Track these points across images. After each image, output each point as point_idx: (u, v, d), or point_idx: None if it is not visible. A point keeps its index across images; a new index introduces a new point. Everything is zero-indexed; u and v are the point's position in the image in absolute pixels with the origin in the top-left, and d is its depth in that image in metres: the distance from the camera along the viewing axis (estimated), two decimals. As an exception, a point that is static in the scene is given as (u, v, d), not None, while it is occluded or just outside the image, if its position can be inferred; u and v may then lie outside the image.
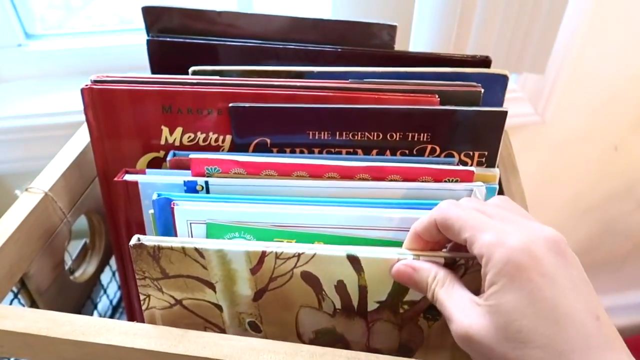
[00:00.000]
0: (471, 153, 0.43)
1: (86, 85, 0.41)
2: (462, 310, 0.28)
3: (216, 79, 0.43)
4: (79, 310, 0.52)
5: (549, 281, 0.26)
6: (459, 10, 0.52)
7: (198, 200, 0.37)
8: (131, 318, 0.52)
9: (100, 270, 0.55)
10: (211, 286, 0.34)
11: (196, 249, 0.33)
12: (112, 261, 0.58)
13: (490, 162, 0.44)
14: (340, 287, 0.34)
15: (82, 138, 0.49)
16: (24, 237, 0.41)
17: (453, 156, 0.43)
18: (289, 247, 0.33)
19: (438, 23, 0.53)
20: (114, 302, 0.61)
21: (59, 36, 0.66)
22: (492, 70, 0.44)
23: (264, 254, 0.33)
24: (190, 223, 0.36)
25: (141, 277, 0.35)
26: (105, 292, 0.58)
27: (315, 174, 0.38)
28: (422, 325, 0.35)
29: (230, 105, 0.41)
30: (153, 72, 0.50)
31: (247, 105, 0.41)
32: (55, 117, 0.60)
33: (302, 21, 0.48)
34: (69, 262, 0.51)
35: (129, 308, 0.53)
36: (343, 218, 0.36)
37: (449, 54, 0.47)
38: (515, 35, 0.56)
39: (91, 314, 0.55)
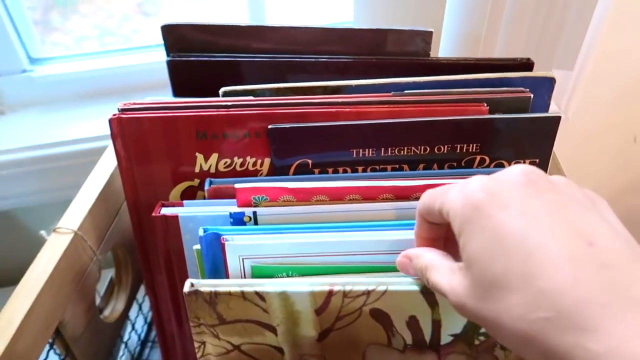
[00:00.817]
0: (522, 161, 0.41)
1: (114, 115, 0.38)
2: (450, 281, 0.25)
3: (251, 99, 0.40)
4: (110, 352, 0.49)
5: (513, 213, 0.22)
6: (488, 10, 0.50)
7: (249, 234, 0.34)
8: (166, 354, 0.50)
9: (128, 305, 0.52)
10: (272, 329, 0.32)
11: (257, 293, 0.30)
12: (138, 293, 0.55)
13: (542, 169, 0.42)
14: (413, 322, 0.31)
15: (104, 168, 0.47)
16: (58, 284, 0.38)
17: (503, 166, 0.41)
18: (358, 284, 0.30)
19: (467, 25, 0.51)
20: (142, 335, 0.58)
21: (66, 59, 0.63)
22: (538, 73, 0.42)
23: (330, 293, 0.30)
24: (243, 259, 0.34)
25: (196, 325, 0.32)
26: (133, 327, 0.55)
27: (369, 196, 0.36)
28: (498, 356, 0.33)
29: (270, 127, 0.39)
30: (175, 94, 0.47)
31: (287, 126, 0.39)
32: (69, 146, 0.56)
33: (329, 31, 0.46)
34: (97, 302, 0.48)
35: (163, 343, 0.50)
36: (404, 242, 0.33)
37: (488, 58, 0.45)
38: (545, 33, 0.54)
39: (121, 353, 0.53)
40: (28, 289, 0.36)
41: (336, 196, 0.36)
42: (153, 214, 0.37)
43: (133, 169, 0.40)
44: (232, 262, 0.34)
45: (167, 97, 0.48)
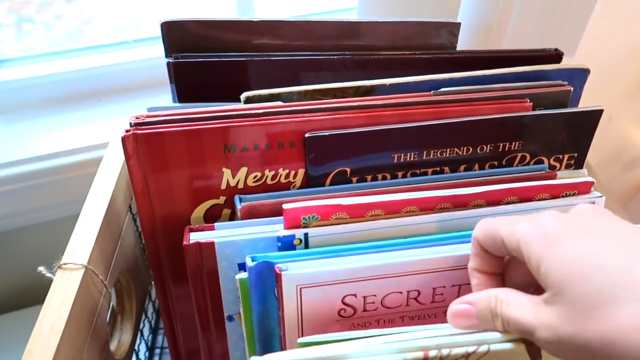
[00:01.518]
0: (561, 156, 0.40)
1: (127, 131, 0.33)
2: (538, 315, 0.23)
3: (282, 105, 0.36)
4: (122, 389, 0.44)
5: (596, 236, 0.23)
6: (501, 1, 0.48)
7: (304, 259, 0.30)
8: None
9: (135, 334, 0.47)
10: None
11: None
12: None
13: (579, 163, 0.41)
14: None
15: (101, 186, 0.41)
16: (75, 329, 0.33)
17: (543, 162, 0.40)
18: (455, 345, 0.25)
19: (480, 14, 0.49)
20: (144, 363, 0.52)
21: (28, 59, 0.55)
22: (574, 64, 0.41)
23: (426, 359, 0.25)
24: (301, 288, 0.30)
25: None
26: (137, 357, 0.50)
27: (427, 207, 0.33)
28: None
29: (307, 135, 0.35)
30: (180, 99, 0.42)
31: (327, 133, 0.35)
32: (68, 157, 0.48)
33: (351, 25, 0.42)
34: (103, 336, 0.42)
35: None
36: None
37: (517, 50, 0.43)
38: (551, 20, 0.53)
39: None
40: (44, 342, 0.31)
41: (392, 209, 0.33)
42: (184, 243, 0.33)
43: (149, 191, 0.35)
44: (289, 292, 0.30)
45: (166, 104, 0.43)
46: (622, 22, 0.69)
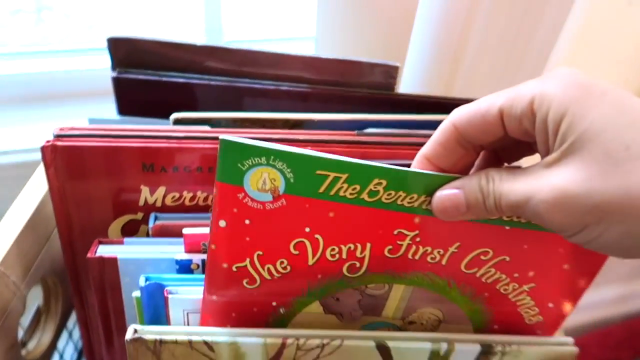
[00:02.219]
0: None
1: (48, 142, 0.34)
2: (540, 181, 0.22)
3: (206, 130, 0.37)
4: (35, 389, 0.44)
5: (621, 91, 0.21)
6: (454, 45, 0.49)
7: (196, 285, 0.31)
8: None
9: (57, 336, 0.47)
10: (220, 385, 0.29)
11: (205, 342, 0.29)
12: (69, 320, 0.50)
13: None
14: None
15: (34, 189, 0.42)
16: (-28, 328, 0.34)
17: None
18: (312, 337, 0.29)
19: (433, 58, 0.50)
20: (72, 365, 0.53)
21: (3, 57, 0.57)
22: (503, 118, 0.41)
23: (283, 346, 0.29)
24: (188, 313, 0.31)
25: (135, 379, 0.29)
26: (61, 358, 0.50)
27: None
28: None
29: (224, 163, 0.36)
30: (120, 112, 0.43)
31: (244, 162, 0.36)
32: (0, 157, 0.50)
33: (293, 58, 0.43)
34: (20, 335, 0.43)
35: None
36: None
37: (453, 98, 0.44)
38: (504, 73, 0.54)
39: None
40: (-64, 337, 0.31)
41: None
42: (88, 255, 0.34)
43: (68, 201, 0.36)
44: (176, 315, 0.31)
45: (109, 112, 0.44)
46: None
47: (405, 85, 0.53)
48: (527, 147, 0.26)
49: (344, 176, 0.24)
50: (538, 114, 0.22)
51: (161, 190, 0.37)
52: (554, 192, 0.21)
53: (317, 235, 0.26)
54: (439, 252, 0.28)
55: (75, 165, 0.35)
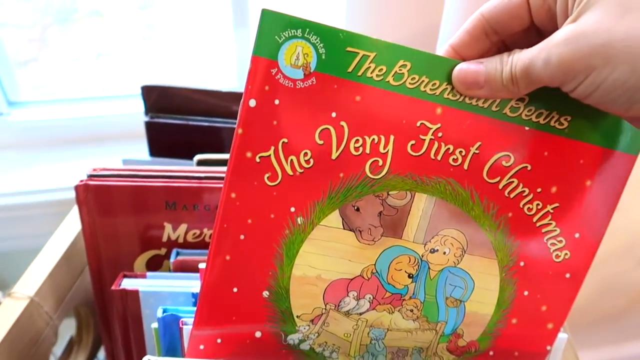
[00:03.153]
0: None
1: (81, 181, 0.37)
2: (552, 39, 0.23)
3: (225, 170, 0.39)
4: (63, 417, 0.46)
5: None
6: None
7: (210, 318, 0.33)
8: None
9: (87, 367, 0.50)
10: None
11: None
12: (100, 351, 0.52)
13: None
14: None
15: (70, 225, 0.45)
16: (6, 353, 0.36)
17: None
18: None
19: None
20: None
21: (44, 103, 0.62)
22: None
23: None
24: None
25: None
26: (91, 388, 0.52)
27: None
28: None
29: (242, 201, 0.38)
30: (151, 154, 0.46)
31: (259, 201, 0.38)
32: (42, 195, 0.55)
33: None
34: (53, 364, 0.46)
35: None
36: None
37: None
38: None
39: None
40: (-28, 361, 0.34)
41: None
42: (112, 287, 0.36)
43: (98, 236, 0.39)
44: (191, 347, 0.32)
45: (142, 154, 0.47)
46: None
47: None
48: None
49: (372, 55, 0.25)
50: None
51: (183, 227, 0.39)
52: (566, 34, 0.22)
53: (342, 122, 0.26)
54: (460, 152, 0.28)
55: (105, 202, 0.38)
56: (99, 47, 0.67)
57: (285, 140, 0.26)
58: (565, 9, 0.24)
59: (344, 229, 0.29)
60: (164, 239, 0.39)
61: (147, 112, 0.46)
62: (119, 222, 0.38)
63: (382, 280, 0.30)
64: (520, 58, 0.24)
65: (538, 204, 0.29)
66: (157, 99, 0.45)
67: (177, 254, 0.38)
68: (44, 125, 0.60)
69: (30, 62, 0.66)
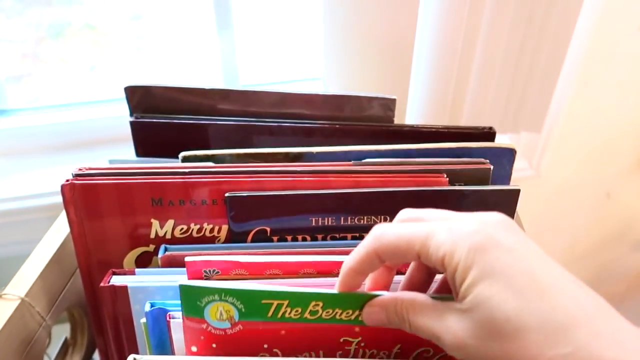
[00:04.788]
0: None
1: (67, 181, 0.38)
2: (444, 324, 0.25)
3: (209, 165, 0.40)
4: (60, 419, 0.47)
5: (517, 256, 0.23)
6: (455, 75, 0.51)
7: (197, 310, 0.33)
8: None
9: (82, 368, 0.50)
10: (215, 412, 0.31)
11: None
12: (95, 355, 0.53)
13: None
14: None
15: (60, 227, 0.45)
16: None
17: (464, 236, 0.41)
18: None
19: (435, 88, 0.52)
20: (98, 397, 0.55)
21: (32, 110, 0.63)
22: (499, 144, 0.42)
23: None
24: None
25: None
26: (88, 390, 0.52)
27: (324, 270, 0.35)
28: None
29: (227, 195, 0.38)
30: (138, 154, 0.47)
31: (244, 194, 0.38)
32: (31, 200, 0.55)
33: (294, 96, 0.46)
34: (47, 366, 0.46)
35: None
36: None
37: (452, 126, 0.45)
38: (511, 97, 0.55)
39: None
40: (-36, 363, 0.34)
41: (290, 270, 0.35)
42: (101, 284, 0.36)
43: (86, 236, 0.39)
44: (178, 339, 0.33)
45: (130, 156, 0.48)
46: (607, 102, 0.70)
47: (411, 117, 0.55)
48: None
49: (286, 302, 0.29)
50: (448, 270, 0.25)
51: (170, 223, 0.39)
52: (456, 339, 0.24)
53: (275, 349, 0.31)
54: (384, 353, 0.31)
55: (92, 201, 0.38)
56: (93, 59, 0.68)
57: None
58: (454, 285, 0.25)
59: None
60: (152, 235, 0.40)
61: (131, 113, 0.46)
62: (106, 220, 0.39)
63: None
64: (417, 328, 0.26)
65: None
66: (141, 99, 0.46)
67: (165, 249, 0.39)
68: (31, 132, 0.61)
69: (25, 77, 0.67)
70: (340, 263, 0.35)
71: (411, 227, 0.27)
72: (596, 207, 0.84)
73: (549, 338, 0.21)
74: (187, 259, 0.34)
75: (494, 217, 0.26)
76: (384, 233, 0.27)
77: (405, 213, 0.29)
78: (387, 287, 0.30)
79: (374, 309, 0.28)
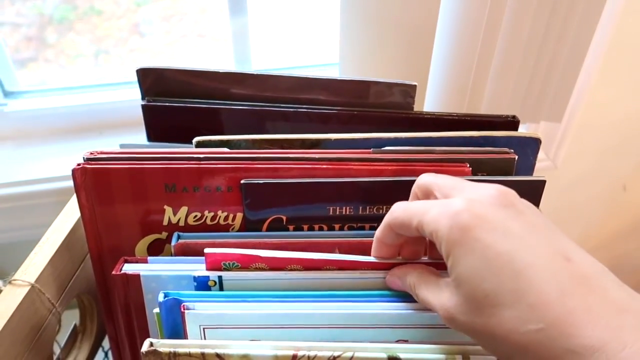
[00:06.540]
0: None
1: (78, 165, 0.37)
2: (439, 297, 0.27)
3: (224, 151, 0.38)
4: (69, 406, 0.46)
5: (499, 235, 0.25)
6: (475, 63, 0.49)
7: (213, 301, 0.32)
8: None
9: (92, 355, 0.49)
10: (231, 398, 0.30)
11: (217, 355, 0.29)
12: (104, 341, 0.52)
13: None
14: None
15: (70, 213, 0.44)
16: (8, 340, 0.36)
17: (486, 228, 0.40)
18: (324, 349, 0.29)
19: (455, 75, 0.50)
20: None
21: (41, 93, 0.61)
22: (524, 133, 0.41)
23: (294, 358, 0.29)
24: (204, 328, 0.32)
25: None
26: (97, 377, 0.52)
27: (346, 267, 0.34)
28: None
29: (242, 182, 0.37)
30: (149, 139, 0.46)
31: (261, 181, 0.37)
32: (42, 184, 0.54)
33: (311, 81, 0.44)
34: (57, 352, 0.45)
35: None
36: (379, 317, 0.31)
37: (474, 114, 0.43)
38: (533, 86, 0.53)
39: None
40: (-26, 349, 0.33)
41: (311, 265, 0.34)
42: (113, 272, 0.35)
43: (97, 221, 0.38)
44: (192, 330, 0.32)
45: (141, 141, 0.46)
46: (627, 93, 0.68)
47: (429, 105, 0.53)
48: None
49: None
50: (437, 246, 0.27)
51: (183, 210, 0.38)
52: (446, 314, 0.27)
53: None
54: None
55: (103, 186, 0.37)
56: (98, 44, 0.67)
57: None
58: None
59: None
60: (165, 222, 0.39)
61: (143, 96, 0.45)
62: (118, 206, 0.38)
63: None
64: (421, 299, 0.29)
65: None
66: (153, 82, 0.44)
67: (179, 237, 0.38)
68: (41, 114, 0.59)
69: (29, 61, 0.66)
70: (361, 262, 0.34)
71: (415, 204, 0.29)
72: (612, 199, 0.82)
73: (522, 316, 0.23)
74: (206, 250, 0.33)
75: (490, 192, 0.27)
76: (396, 209, 0.30)
77: (422, 178, 0.31)
78: (417, 257, 0.32)
79: (392, 277, 0.32)
